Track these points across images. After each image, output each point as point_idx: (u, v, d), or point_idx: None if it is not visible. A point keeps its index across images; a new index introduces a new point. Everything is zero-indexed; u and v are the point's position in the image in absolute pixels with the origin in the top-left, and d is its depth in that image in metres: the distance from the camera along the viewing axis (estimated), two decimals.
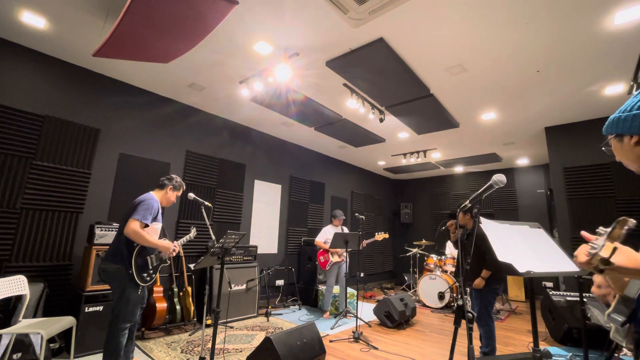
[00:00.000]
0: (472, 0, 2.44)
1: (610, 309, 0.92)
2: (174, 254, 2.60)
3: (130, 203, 2.53)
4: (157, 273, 2.62)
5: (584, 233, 0.90)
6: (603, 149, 0.95)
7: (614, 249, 0.71)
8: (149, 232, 2.45)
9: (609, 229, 0.74)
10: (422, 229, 8.57)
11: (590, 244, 0.77)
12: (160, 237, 2.62)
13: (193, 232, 2.90)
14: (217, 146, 4.95)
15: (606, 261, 0.70)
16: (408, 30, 2.83)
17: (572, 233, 4.48)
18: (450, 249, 6.38)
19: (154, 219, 2.50)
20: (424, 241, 6.80)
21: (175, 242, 2.67)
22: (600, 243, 0.73)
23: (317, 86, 3.90)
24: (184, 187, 2.84)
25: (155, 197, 2.57)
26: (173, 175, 2.78)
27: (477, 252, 2.97)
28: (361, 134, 5.49)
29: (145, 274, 2.45)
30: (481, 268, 2.94)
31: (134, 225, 2.32)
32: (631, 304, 0.87)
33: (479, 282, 2.94)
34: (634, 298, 0.87)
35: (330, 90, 4.00)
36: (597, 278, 1.04)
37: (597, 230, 0.79)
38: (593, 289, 1.05)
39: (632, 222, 0.73)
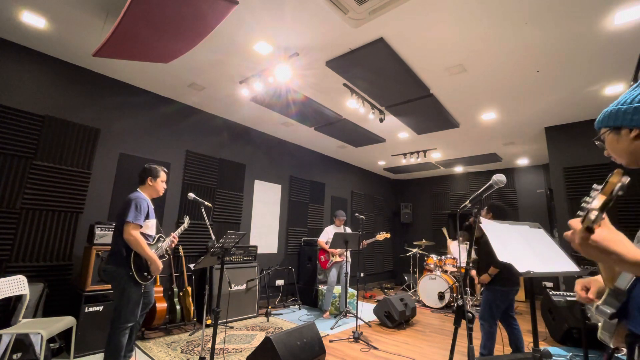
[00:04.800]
0: (472, 0, 2.45)
1: (600, 301, 0.88)
2: (159, 269, 2.55)
3: (122, 201, 2.52)
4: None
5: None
6: (596, 142, 0.91)
7: (607, 202, 0.65)
8: (144, 230, 2.48)
9: (602, 185, 0.68)
10: (422, 229, 8.57)
11: (583, 201, 0.72)
12: (156, 233, 2.65)
13: (187, 222, 2.89)
14: (217, 146, 4.95)
15: (597, 216, 0.64)
16: (408, 30, 2.83)
17: None
18: (455, 248, 6.26)
19: (147, 217, 2.50)
20: (424, 241, 6.80)
21: (172, 233, 2.70)
22: (593, 196, 0.68)
23: (317, 86, 3.90)
24: (165, 170, 2.72)
25: (142, 195, 2.54)
26: (145, 166, 2.66)
27: (487, 249, 2.88)
28: (361, 134, 5.49)
29: (146, 272, 2.47)
30: (487, 264, 2.87)
31: (133, 231, 2.34)
32: (622, 297, 0.83)
33: (484, 278, 2.86)
34: (624, 290, 0.83)
35: (330, 90, 4.00)
36: (580, 281, 1.00)
37: (592, 187, 0.73)
38: (576, 288, 1.00)
39: (626, 178, 0.69)
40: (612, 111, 0.83)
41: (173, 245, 2.70)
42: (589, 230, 0.66)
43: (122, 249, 2.39)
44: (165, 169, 2.74)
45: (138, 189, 2.61)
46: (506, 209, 3.02)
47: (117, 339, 2.30)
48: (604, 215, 0.66)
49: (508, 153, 6.39)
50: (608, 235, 0.67)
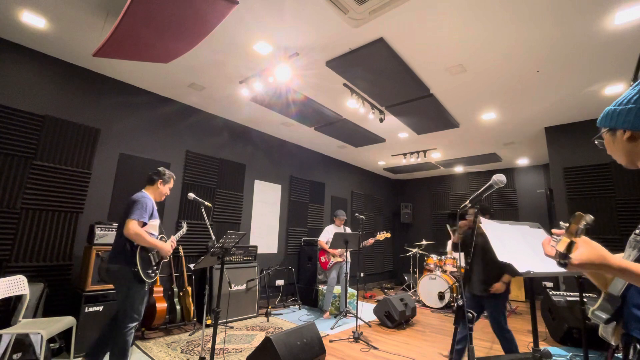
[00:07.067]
0: (472, 0, 2.45)
1: (595, 306, 0.91)
2: (170, 253, 2.62)
3: (126, 202, 2.53)
4: (159, 269, 2.62)
5: (554, 231, 0.90)
6: (596, 142, 0.92)
7: (570, 244, 0.70)
8: (148, 229, 2.47)
9: (567, 224, 0.74)
10: (422, 229, 8.57)
11: (553, 237, 0.76)
12: (159, 234, 2.65)
13: (185, 227, 2.93)
14: (217, 146, 4.95)
15: (563, 255, 0.70)
16: (408, 30, 2.83)
17: None
18: (449, 249, 6.30)
19: (151, 216, 2.51)
20: (424, 241, 6.80)
21: (172, 236, 2.71)
22: (559, 238, 0.74)
23: (317, 86, 3.90)
24: (174, 178, 2.81)
25: (147, 195, 2.57)
26: (159, 169, 2.72)
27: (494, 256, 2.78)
28: (361, 134, 5.49)
29: (150, 271, 2.46)
30: (499, 271, 2.69)
31: (133, 225, 2.33)
32: (615, 302, 0.86)
33: (500, 287, 2.65)
34: (618, 296, 0.86)
35: (330, 90, 4.00)
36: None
37: (559, 224, 0.79)
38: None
39: (589, 217, 0.72)
40: (610, 111, 0.84)
41: (169, 254, 2.69)
42: (562, 265, 0.71)
43: (126, 247, 2.37)
44: (175, 177, 2.82)
45: (143, 190, 2.62)
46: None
47: (123, 340, 2.29)
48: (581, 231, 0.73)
49: (508, 153, 6.39)
50: (584, 254, 0.71)
